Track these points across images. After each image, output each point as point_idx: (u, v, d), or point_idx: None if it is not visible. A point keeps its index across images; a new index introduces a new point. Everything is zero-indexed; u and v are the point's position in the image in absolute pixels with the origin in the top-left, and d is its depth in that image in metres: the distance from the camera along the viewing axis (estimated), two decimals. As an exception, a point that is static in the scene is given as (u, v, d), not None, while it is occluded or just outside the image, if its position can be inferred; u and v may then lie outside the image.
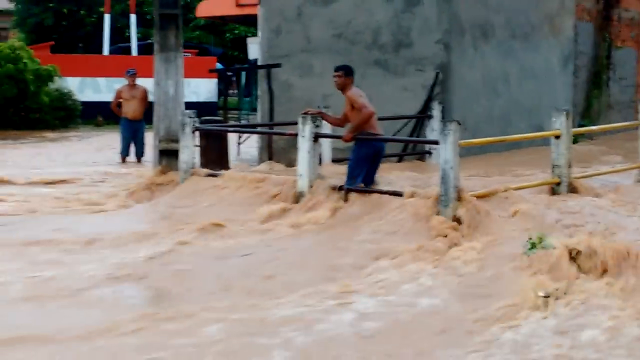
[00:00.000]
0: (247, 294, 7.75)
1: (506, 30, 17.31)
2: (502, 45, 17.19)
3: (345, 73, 10.76)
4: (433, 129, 15.35)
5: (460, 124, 9.83)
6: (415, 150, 15.61)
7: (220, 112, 30.42)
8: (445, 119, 15.20)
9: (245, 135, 19.07)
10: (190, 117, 12.27)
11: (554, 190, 11.27)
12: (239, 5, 21.30)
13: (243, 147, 19.05)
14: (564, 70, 19.64)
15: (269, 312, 7.16)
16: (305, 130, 11.03)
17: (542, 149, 16.93)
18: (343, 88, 10.77)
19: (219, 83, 25.97)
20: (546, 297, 7.18)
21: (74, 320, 7.04)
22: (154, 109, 13.45)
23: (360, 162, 10.78)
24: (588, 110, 20.42)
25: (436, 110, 15.40)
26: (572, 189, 11.34)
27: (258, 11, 17.30)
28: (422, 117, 15.46)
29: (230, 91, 40.83)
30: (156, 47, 13.33)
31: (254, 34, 42.09)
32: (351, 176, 10.73)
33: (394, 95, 15.60)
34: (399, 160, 15.23)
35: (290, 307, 7.32)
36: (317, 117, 11.21)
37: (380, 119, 14.51)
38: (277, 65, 15.73)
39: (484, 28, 16.65)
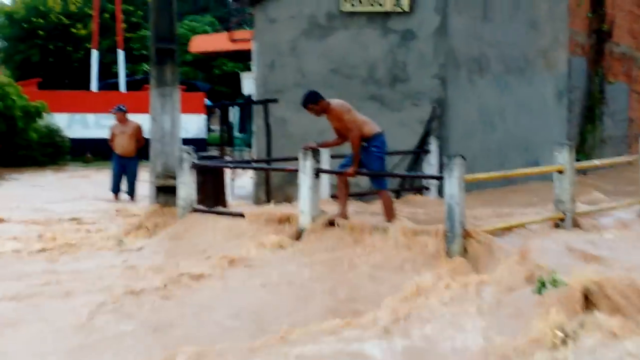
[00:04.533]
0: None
1: (501, 65, 17.24)
2: (498, 79, 17.12)
3: (314, 101, 10.73)
4: (430, 164, 15.22)
5: (465, 159, 9.70)
6: (413, 185, 15.44)
7: (210, 147, 30.41)
8: (442, 153, 15.12)
9: (238, 171, 18.91)
10: (189, 153, 12.12)
11: (557, 225, 11.12)
12: (232, 41, 21.23)
13: (236, 183, 18.88)
14: (559, 105, 19.58)
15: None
16: (306, 166, 10.89)
17: (538, 184, 16.90)
18: (324, 112, 10.69)
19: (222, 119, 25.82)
20: (565, 336, 6.99)
21: None
22: (150, 145, 13.27)
23: (379, 164, 10.86)
24: (582, 144, 20.36)
25: (433, 145, 15.26)
26: (576, 225, 11.21)
27: (252, 46, 17.19)
28: (419, 151, 15.32)
29: (211, 127, 40.81)
30: (152, 81, 13.18)
31: (243, 70, 42.36)
32: (379, 180, 10.96)
33: (390, 130, 15.24)
34: (397, 197, 15.06)
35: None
36: (318, 151, 11.08)
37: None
38: (274, 101, 15.62)
39: (480, 62, 16.57)
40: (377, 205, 13.61)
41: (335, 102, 10.77)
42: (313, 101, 10.68)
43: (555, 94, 19.40)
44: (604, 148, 21.65)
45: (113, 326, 7.69)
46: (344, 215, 10.78)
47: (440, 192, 15.09)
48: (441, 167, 15.11)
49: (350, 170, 10.66)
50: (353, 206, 12.40)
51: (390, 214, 10.79)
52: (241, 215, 11.81)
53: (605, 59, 22.04)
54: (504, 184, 15.90)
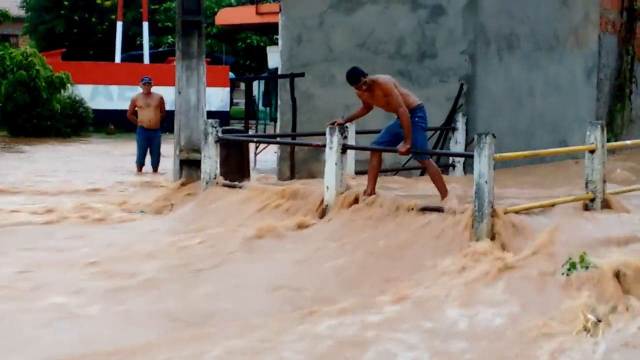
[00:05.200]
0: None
1: (531, 42, 16.97)
2: (527, 57, 16.86)
3: (361, 76, 10.36)
4: (457, 141, 15.02)
5: (495, 137, 9.52)
6: (439, 163, 15.23)
7: (232, 121, 30.31)
8: (469, 131, 14.92)
9: (262, 145, 18.79)
10: (214, 127, 11.98)
11: (587, 206, 10.92)
12: (259, 14, 21.02)
13: (259, 157, 18.79)
14: (588, 84, 19.30)
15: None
16: (333, 142, 10.76)
17: (565, 163, 16.70)
18: (369, 87, 10.40)
19: (246, 93, 25.77)
20: (598, 321, 6.84)
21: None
22: (174, 118, 13.14)
23: (423, 136, 10.63)
24: (611, 124, 20.06)
25: (460, 122, 15.05)
26: (606, 205, 10.99)
27: (279, 19, 16.99)
28: (446, 129, 15.12)
29: (236, 100, 40.67)
30: (178, 54, 13.06)
31: (267, 43, 42.15)
32: (422, 147, 10.60)
33: (417, 107, 15.25)
34: (421, 174, 14.88)
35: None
36: (345, 127, 10.93)
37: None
38: (301, 75, 15.42)
39: (509, 39, 16.32)
40: (395, 180, 13.58)
41: (382, 77, 10.46)
42: (357, 80, 10.33)
43: (584, 72, 19.12)
44: (632, 127, 21.36)
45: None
46: (372, 192, 10.60)
47: (466, 170, 15.00)
48: (467, 144, 14.99)
49: (403, 148, 10.37)
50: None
51: (442, 186, 10.51)
52: (265, 190, 11.69)
53: (636, 38, 21.70)
54: (531, 161, 15.67)
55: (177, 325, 7.19)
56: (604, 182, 10.95)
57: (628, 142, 12.83)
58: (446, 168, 15.15)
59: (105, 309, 7.53)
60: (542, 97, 17.36)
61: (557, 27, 17.85)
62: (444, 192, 10.42)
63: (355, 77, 10.29)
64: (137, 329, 7.05)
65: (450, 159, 15.13)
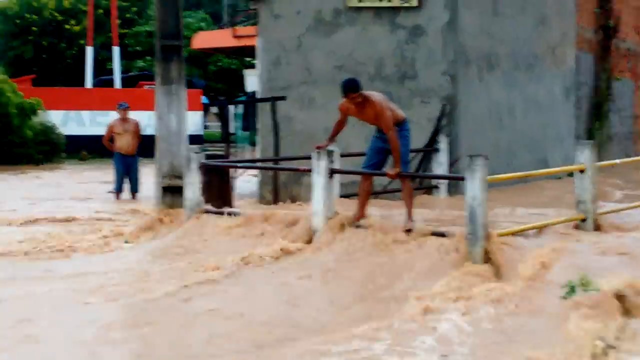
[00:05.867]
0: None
1: (510, 61, 16.93)
2: (507, 76, 16.81)
3: (357, 89, 10.05)
4: (440, 163, 14.89)
5: (487, 159, 9.36)
6: (422, 185, 15.09)
7: (205, 145, 30.05)
8: (452, 151, 14.81)
9: (240, 170, 18.55)
10: (197, 153, 11.76)
11: (578, 227, 10.79)
12: (235, 37, 20.83)
13: (239, 181, 18.53)
14: (567, 102, 19.28)
15: None
16: (320, 166, 10.55)
17: (548, 182, 16.62)
18: (362, 103, 10.14)
19: (220, 117, 25.68)
20: (609, 347, 6.64)
21: None
22: (155, 144, 12.88)
23: (407, 150, 10.37)
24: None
25: (443, 143, 14.93)
26: (597, 226, 10.87)
27: (256, 42, 16.83)
28: (429, 150, 14.98)
29: (207, 123, 40.50)
30: (157, 79, 12.79)
31: (238, 66, 41.98)
32: (405, 162, 10.29)
33: (398, 128, 15.11)
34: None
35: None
36: (332, 151, 10.74)
37: (385, 152, 14.16)
38: (282, 98, 15.23)
39: (489, 59, 16.26)
40: (384, 203, 13.37)
41: (376, 96, 10.23)
42: (356, 89, 10.07)
43: (563, 90, 19.11)
44: (610, 145, 21.37)
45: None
46: (362, 216, 10.40)
47: (450, 191, 14.86)
48: (450, 165, 14.86)
49: (393, 171, 10.16)
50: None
51: (411, 206, 10.28)
52: (250, 216, 11.47)
53: (612, 55, 21.76)
54: (513, 182, 15.55)
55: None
56: (595, 202, 10.82)
57: (617, 160, 12.74)
58: (429, 189, 15.01)
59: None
60: (522, 116, 17.31)
61: (536, 46, 17.84)
62: (411, 213, 10.19)
63: (355, 86, 10.03)
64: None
65: (434, 180, 14.98)
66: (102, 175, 21.92)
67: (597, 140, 20.71)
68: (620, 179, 17.70)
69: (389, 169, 10.26)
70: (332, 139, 10.77)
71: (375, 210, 11.89)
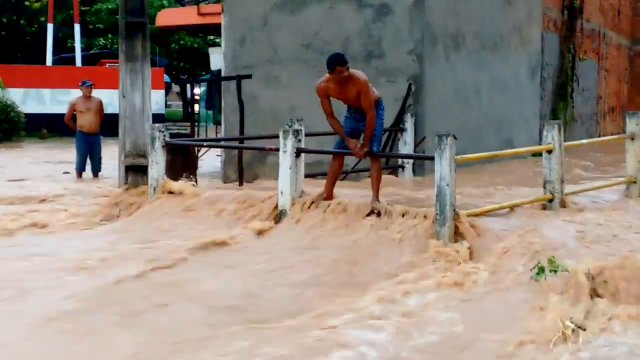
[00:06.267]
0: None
1: (477, 41, 16.86)
2: (473, 56, 16.74)
3: (344, 63, 9.75)
4: (406, 142, 14.79)
5: (456, 138, 9.29)
6: (387, 164, 14.98)
7: (167, 124, 29.81)
8: (417, 131, 14.73)
9: (204, 149, 18.38)
10: (161, 131, 11.59)
11: (545, 206, 10.76)
12: (200, 14, 20.58)
13: (202, 160, 18.37)
14: (532, 82, 19.28)
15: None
16: (287, 145, 10.43)
17: (513, 162, 16.61)
18: (345, 79, 9.85)
19: (182, 95, 25.48)
20: (579, 328, 6.61)
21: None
22: (119, 122, 12.69)
23: (380, 129, 10.30)
24: (554, 122, 20.08)
25: (409, 123, 14.83)
26: (564, 205, 10.85)
27: (222, 20, 16.63)
28: (395, 129, 14.88)
29: (169, 102, 40.21)
30: (121, 56, 12.58)
31: (200, 44, 41.68)
32: (378, 142, 10.20)
33: (364, 107, 15.00)
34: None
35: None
36: (299, 130, 10.62)
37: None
38: (248, 77, 15.06)
39: (456, 38, 16.18)
40: (349, 184, 13.27)
41: (360, 75, 9.98)
42: (345, 62, 9.78)
43: (528, 70, 19.10)
44: (574, 126, 21.42)
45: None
46: (329, 196, 10.30)
47: (416, 171, 14.80)
48: (416, 145, 14.78)
49: (361, 151, 10.04)
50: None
51: (378, 187, 10.16)
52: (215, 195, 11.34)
53: (577, 36, 21.77)
54: (478, 162, 15.53)
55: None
56: (562, 182, 10.79)
57: (584, 140, 12.74)
58: (395, 169, 14.93)
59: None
60: (489, 96, 17.28)
61: (502, 25, 17.80)
62: (377, 193, 10.09)
63: (343, 60, 9.78)
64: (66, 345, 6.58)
65: (400, 160, 14.89)
66: (64, 153, 21.66)
67: (562, 121, 20.79)
68: (586, 160, 17.73)
69: (357, 148, 10.11)
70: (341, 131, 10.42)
71: (342, 190, 11.79)
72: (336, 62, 9.74)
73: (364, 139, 10.02)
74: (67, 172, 17.60)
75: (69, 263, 8.77)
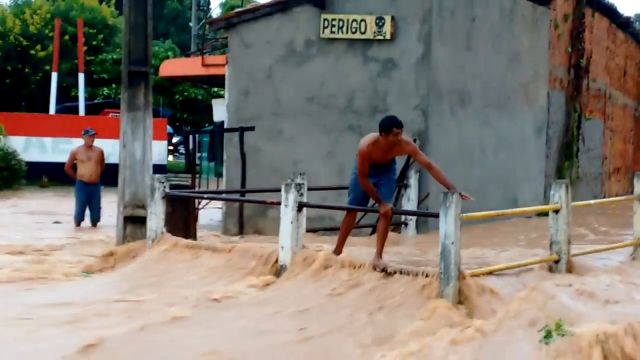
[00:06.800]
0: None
1: (483, 98, 16.74)
2: (479, 112, 16.61)
3: (402, 125, 9.71)
4: (410, 199, 14.61)
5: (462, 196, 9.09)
6: (390, 221, 14.71)
7: (168, 175, 29.67)
8: (421, 187, 14.54)
9: (205, 201, 18.19)
10: (161, 182, 11.39)
11: (551, 268, 10.51)
12: (204, 65, 20.51)
13: (201, 212, 18.16)
14: (538, 141, 19.12)
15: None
16: (288, 199, 10.22)
17: (519, 221, 16.39)
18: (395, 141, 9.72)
19: (185, 146, 25.35)
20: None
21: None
22: (119, 172, 12.50)
23: (394, 185, 10.29)
24: (559, 182, 19.90)
25: (413, 179, 14.65)
26: (570, 267, 10.60)
27: (226, 71, 16.52)
28: (399, 185, 14.67)
29: (170, 155, 40.12)
30: (123, 106, 12.43)
31: (205, 97, 41.63)
32: (390, 196, 10.04)
33: (368, 163, 14.84)
34: (372, 233, 14.42)
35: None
36: (302, 184, 10.41)
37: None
38: (251, 129, 14.91)
39: (461, 95, 16.06)
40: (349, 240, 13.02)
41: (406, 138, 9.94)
42: (400, 126, 9.62)
43: (534, 128, 18.94)
44: (579, 185, 21.21)
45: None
46: (341, 251, 10.07)
47: (419, 228, 14.58)
48: (420, 201, 14.58)
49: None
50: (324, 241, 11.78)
51: (383, 244, 9.94)
52: (215, 249, 11.11)
53: (583, 95, 21.66)
54: (482, 221, 15.30)
55: None
56: (569, 243, 10.56)
57: (592, 201, 12.50)
58: (398, 226, 14.71)
59: None
60: (493, 153, 17.11)
61: (508, 83, 17.68)
62: (381, 250, 9.87)
63: (399, 123, 9.66)
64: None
65: (403, 217, 14.69)
66: (64, 202, 21.42)
67: (567, 180, 20.62)
68: (592, 220, 17.50)
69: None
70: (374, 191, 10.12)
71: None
72: (394, 125, 9.59)
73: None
74: (57, 222, 17.37)
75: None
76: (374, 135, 9.78)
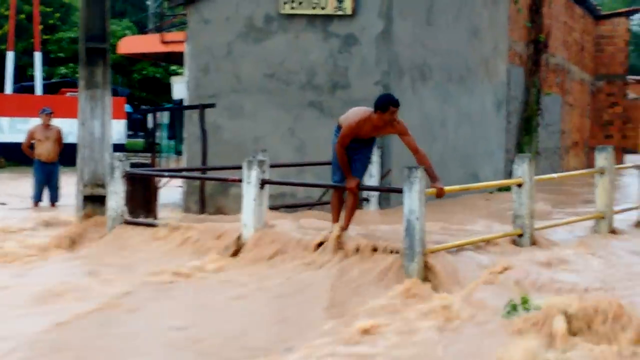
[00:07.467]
0: None
1: (443, 73, 16.69)
2: (439, 88, 16.57)
3: (399, 104, 9.70)
4: (371, 175, 14.53)
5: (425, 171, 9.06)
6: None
7: (127, 154, 29.46)
8: (383, 163, 14.49)
9: (165, 179, 18.05)
10: (121, 161, 11.24)
11: (515, 242, 10.52)
12: (164, 42, 20.26)
13: (161, 191, 18.00)
14: (498, 116, 19.14)
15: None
16: (251, 176, 10.13)
17: (476, 197, 16.41)
18: (390, 120, 9.71)
19: (145, 125, 25.14)
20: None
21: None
22: (77, 151, 12.32)
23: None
24: (520, 156, 19.97)
25: (374, 155, 14.58)
26: (534, 241, 10.62)
27: (185, 48, 16.33)
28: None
29: (130, 132, 39.78)
30: (81, 83, 12.23)
31: (163, 75, 41.33)
32: (362, 173, 10.14)
33: (329, 139, 14.71)
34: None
35: None
36: (264, 161, 10.32)
37: (315, 164, 13.79)
38: (212, 106, 14.75)
39: (422, 70, 15.99)
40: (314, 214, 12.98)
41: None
42: (397, 104, 9.66)
43: (494, 104, 18.96)
44: (539, 160, 21.30)
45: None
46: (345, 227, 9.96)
47: (381, 204, 14.53)
48: (382, 177, 14.53)
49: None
50: (285, 218, 11.68)
51: (352, 216, 9.92)
52: (177, 227, 11.00)
53: (542, 70, 21.71)
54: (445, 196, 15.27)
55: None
56: (532, 217, 10.58)
57: (554, 175, 12.52)
58: (360, 202, 14.65)
59: None
60: (454, 129, 17.10)
61: (468, 58, 17.66)
62: (347, 224, 9.84)
63: (397, 102, 9.70)
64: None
65: (365, 192, 14.63)
66: (21, 182, 21.20)
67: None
68: (552, 194, 17.58)
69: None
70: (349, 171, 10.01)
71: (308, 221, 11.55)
72: (391, 103, 9.53)
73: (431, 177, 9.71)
74: (4, 203, 17.11)
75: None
76: (364, 110, 9.76)
